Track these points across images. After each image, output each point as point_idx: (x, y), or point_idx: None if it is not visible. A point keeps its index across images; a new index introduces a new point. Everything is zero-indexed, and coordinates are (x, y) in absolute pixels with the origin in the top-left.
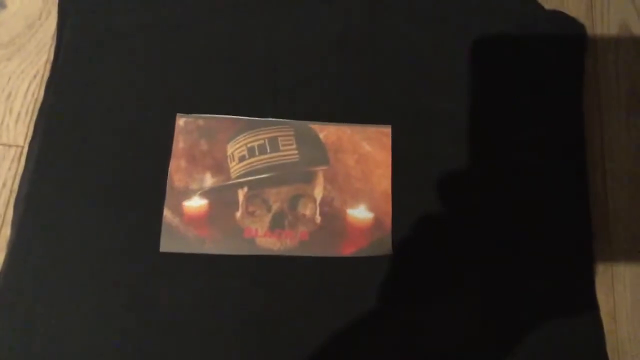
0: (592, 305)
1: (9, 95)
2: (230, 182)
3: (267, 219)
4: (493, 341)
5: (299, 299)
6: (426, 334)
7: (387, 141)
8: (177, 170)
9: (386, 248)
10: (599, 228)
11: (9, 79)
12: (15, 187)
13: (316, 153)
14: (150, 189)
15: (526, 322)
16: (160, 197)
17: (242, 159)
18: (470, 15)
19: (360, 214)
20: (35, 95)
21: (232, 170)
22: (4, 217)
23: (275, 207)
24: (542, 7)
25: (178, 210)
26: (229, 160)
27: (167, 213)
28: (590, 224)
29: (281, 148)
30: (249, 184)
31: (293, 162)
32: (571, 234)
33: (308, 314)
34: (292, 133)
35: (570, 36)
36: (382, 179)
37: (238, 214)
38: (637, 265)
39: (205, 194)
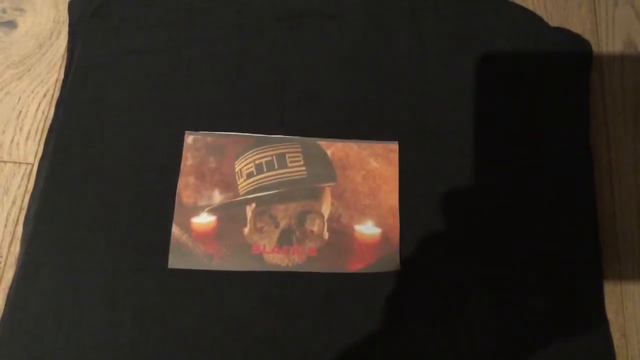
0: (602, 321)
1: (19, 113)
2: (238, 198)
3: (275, 235)
4: (502, 357)
5: (307, 314)
6: (434, 349)
7: (394, 157)
8: (186, 187)
9: (394, 264)
10: (608, 244)
11: (20, 98)
12: (25, 204)
13: (323, 169)
14: (159, 206)
15: (536, 338)
16: (168, 214)
17: (250, 175)
18: (475, 31)
19: (367, 229)
20: (46, 114)
21: (240, 187)
22: (13, 234)
23: (283, 223)
24: (547, 24)
25: (186, 227)
26: (237, 177)
27: (175, 229)
28: (598, 240)
29: (289, 165)
30: (257, 200)
31: (301, 179)
32: (580, 250)
33: (315, 330)
34: (299, 150)
35: (575, 52)
36: (390, 194)
37: (246, 230)
38: None
39: (214, 210)
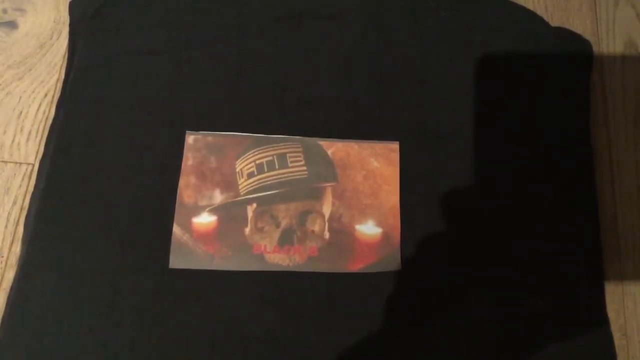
0: (603, 321)
1: (20, 114)
2: (239, 198)
3: (276, 235)
4: (502, 357)
5: (308, 314)
6: (435, 349)
7: (395, 157)
8: (187, 187)
9: (395, 263)
10: (609, 244)
11: (20, 98)
12: (26, 204)
13: (324, 169)
14: (160, 206)
15: (536, 339)
16: (169, 214)
17: (250, 175)
18: (476, 32)
19: (368, 229)
20: (46, 114)
21: (241, 187)
22: (14, 234)
23: (284, 223)
24: (547, 24)
25: (187, 227)
26: (237, 177)
27: (176, 229)
28: (599, 240)
29: (290, 164)
30: (258, 200)
31: (301, 179)
32: (580, 250)
33: (316, 330)
34: (300, 149)
35: (576, 52)
36: (390, 194)
37: (247, 230)
38: None
39: (215, 210)
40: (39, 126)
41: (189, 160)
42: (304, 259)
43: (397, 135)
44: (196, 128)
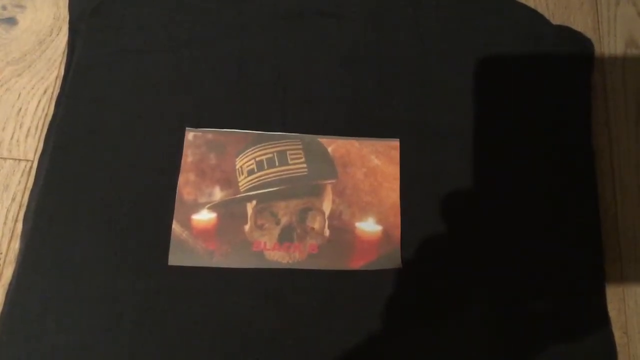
0: (604, 320)
1: (19, 110)
2: (239, 195)
3: (276, 232)
4: (502, 357)
5: (308, 312)
6: (435, 348)
7: (396, 154)
8: (186, 184)
9: (395, 261)
10: (610, 244)
11: (20, 94)
12: (25, 201)
13: (325, 167)
14: (159, 203)
15: (537, 338)
16: (169, 211)
17: (250, 172)
18: (478, 30)
19: (369, 227)
20: (46, 111)
21: (240, 184)
22: (13, 231)
23: (284, 220)
24: (549, 22)
25: (187, 224)
26: (237, 174)
27: (175, 227)
28: (600, 240)
29: (290, 162)
30: (258, 197)
31: (302, 176)
32: (581, 250)
33: (316, 328)
34: (300, 147)
35: (577, 51)
36: (391, 192)
37: (247, 227)
38: None
39: (214, 207)
40: (38, 123)
41: (188, 157)
42: (304, 257)
43: (397, 134)
44: (196, 126)
